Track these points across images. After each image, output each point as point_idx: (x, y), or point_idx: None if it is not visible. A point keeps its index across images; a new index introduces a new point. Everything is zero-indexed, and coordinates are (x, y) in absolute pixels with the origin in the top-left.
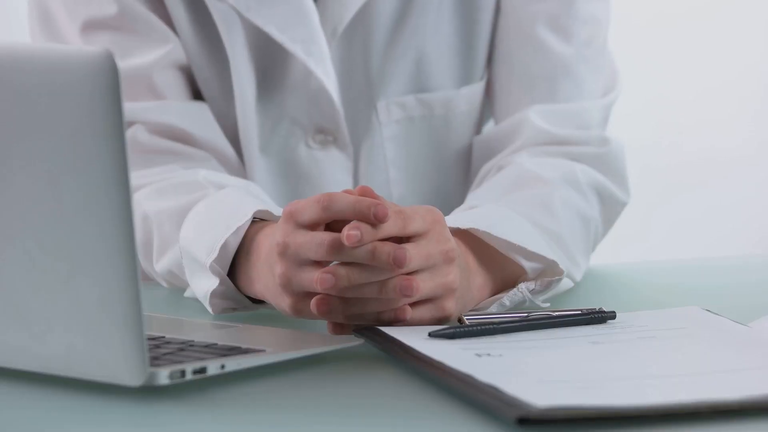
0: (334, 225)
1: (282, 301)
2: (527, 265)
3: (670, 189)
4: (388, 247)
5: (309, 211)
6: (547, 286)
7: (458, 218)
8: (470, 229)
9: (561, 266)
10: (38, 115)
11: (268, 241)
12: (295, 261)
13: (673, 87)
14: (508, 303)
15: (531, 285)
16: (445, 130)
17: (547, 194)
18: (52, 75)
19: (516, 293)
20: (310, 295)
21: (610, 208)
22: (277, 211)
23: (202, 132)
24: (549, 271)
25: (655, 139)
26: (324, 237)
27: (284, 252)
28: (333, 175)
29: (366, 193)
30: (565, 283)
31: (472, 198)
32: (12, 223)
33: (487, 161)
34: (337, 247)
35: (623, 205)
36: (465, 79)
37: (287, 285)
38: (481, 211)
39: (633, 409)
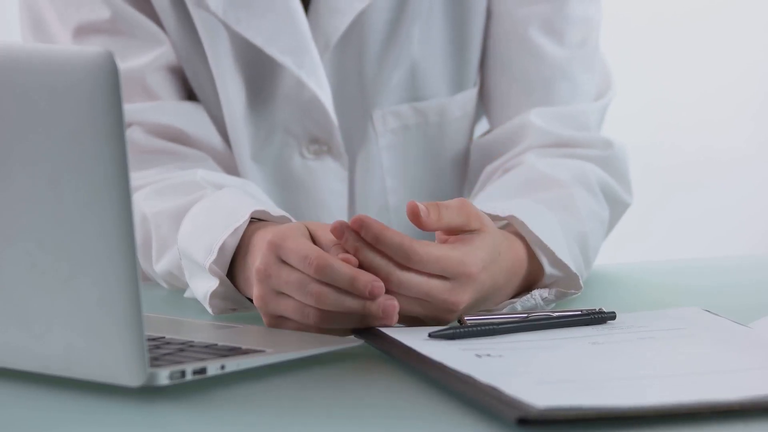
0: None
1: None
2: (548, 270)
3: (670, 189)
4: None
5: (296, 260)
6: (560, 297)
7: (496, 206)
8: (509, 217)
9: (581, 281)
10: (38, 115)
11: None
12: (273, 290)
13: (672, 87)
14: (519, 308)
15: (545, 293)
16: (440, 136)
17: (567, 196)
18: (52, 75)
19: (529, 299)
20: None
21: (615, 210)
22: (275, 210)
23: (197, 131)
24: (565, 283)
25: (655, 140)
26: (311, 286)
27: (264, 280)
28: (328, 184)
29: (361, 224)
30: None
31: (482, 197)
32: (12, 223)
33: (487, 164)
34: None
35: (627, 207)
36: (458, 86)
37: (263, 308)
38: (517, 203)
39: (633, 410)
